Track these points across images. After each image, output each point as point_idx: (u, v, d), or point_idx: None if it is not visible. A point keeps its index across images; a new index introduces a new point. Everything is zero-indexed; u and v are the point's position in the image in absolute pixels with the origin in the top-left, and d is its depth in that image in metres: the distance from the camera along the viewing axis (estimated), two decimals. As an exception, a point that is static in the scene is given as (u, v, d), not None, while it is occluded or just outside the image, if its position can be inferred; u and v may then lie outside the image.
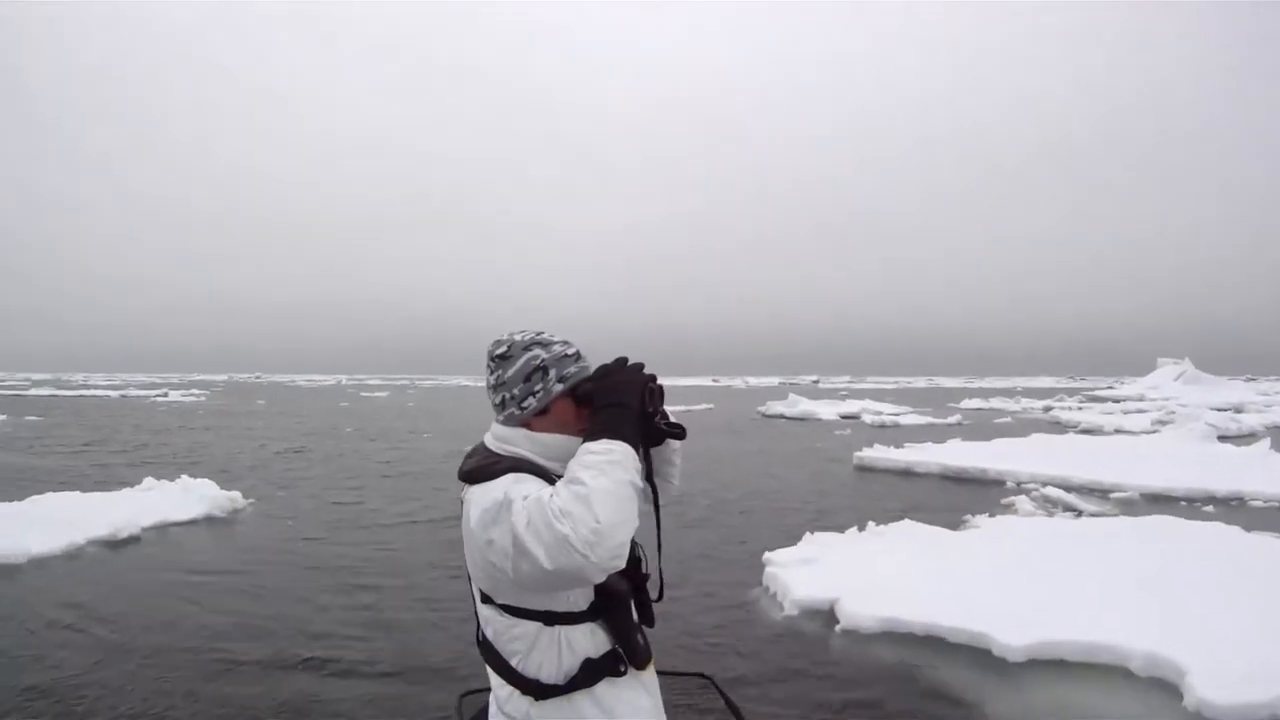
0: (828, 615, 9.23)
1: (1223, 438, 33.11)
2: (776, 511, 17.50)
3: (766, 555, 11.21)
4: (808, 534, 12.27)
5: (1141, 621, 8.08)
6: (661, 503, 2.61)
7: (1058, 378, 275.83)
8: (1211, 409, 48.51)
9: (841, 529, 12.92)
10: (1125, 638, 7.70)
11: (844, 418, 54.11)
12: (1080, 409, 65.91)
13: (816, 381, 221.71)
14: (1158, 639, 7.61)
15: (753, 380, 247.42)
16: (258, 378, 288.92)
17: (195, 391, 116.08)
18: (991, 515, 15.30)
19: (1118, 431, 40.45)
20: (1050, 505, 17.47)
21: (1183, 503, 17.98)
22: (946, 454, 25.66)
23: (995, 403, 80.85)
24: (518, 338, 2.47)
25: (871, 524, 12.90)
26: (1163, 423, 43.83)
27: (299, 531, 15.42)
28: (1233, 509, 17.36)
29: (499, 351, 2.46)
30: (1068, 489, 19.00)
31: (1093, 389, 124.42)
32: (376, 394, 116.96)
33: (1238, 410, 54.42)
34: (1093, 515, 15.99)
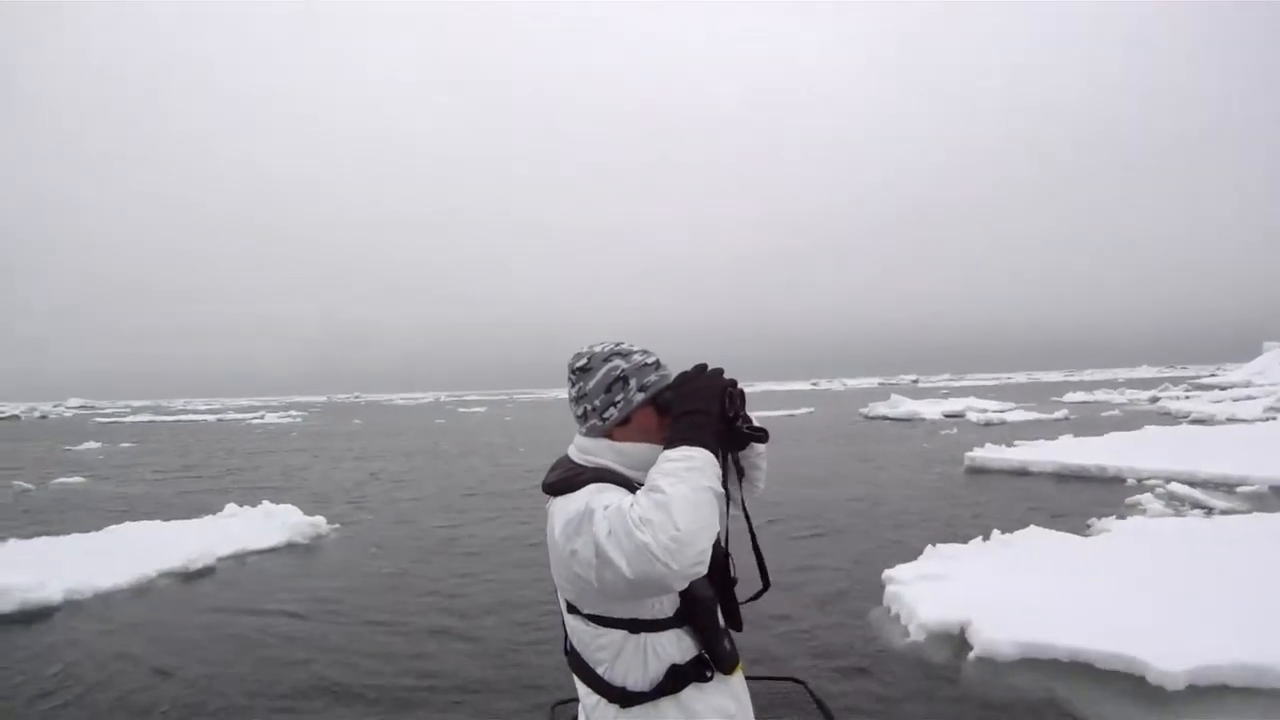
0: (958, 640, 8.15)
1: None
2: (892, 520, 16.38)
3: (887, 573, 10.13)
4: (930, 546, 11.17)
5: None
6: (747, 505, 2.54)
7: (1159, 367, 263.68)
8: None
9: (964, 539, 11.84)
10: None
11: (948, 416, 52.37)
12: (1188, 398, 62.69)
13: (916, 381, 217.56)
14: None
15: (851, 382, 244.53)
16: (356, 397, 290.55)
17: (292, 413, 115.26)
18: (1120, 517, 14.02)
19: (1230, 420, 37.88)
20: (1178, 503, 15.99)
21: (1318, 496, 16.47)
22: (1061, 451, 24.19)
23: (1100, 395, 77.31)
24: (597, 349, 2.44)
25: (996, 532, 11.79)
26: (1277, 410, 41.16)
27: (383, 560, 14.27)
28: (1373, 503, 15.72)
29: (579, 364, 2.43)
30: (1192, 484, 17.48)
31: (1196, 377, 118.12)
32: (474, 409, 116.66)
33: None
34: (1225, 513, 14.54)
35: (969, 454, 24.97)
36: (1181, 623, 7.59)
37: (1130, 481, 19.06)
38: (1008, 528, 12.34)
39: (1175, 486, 17.23)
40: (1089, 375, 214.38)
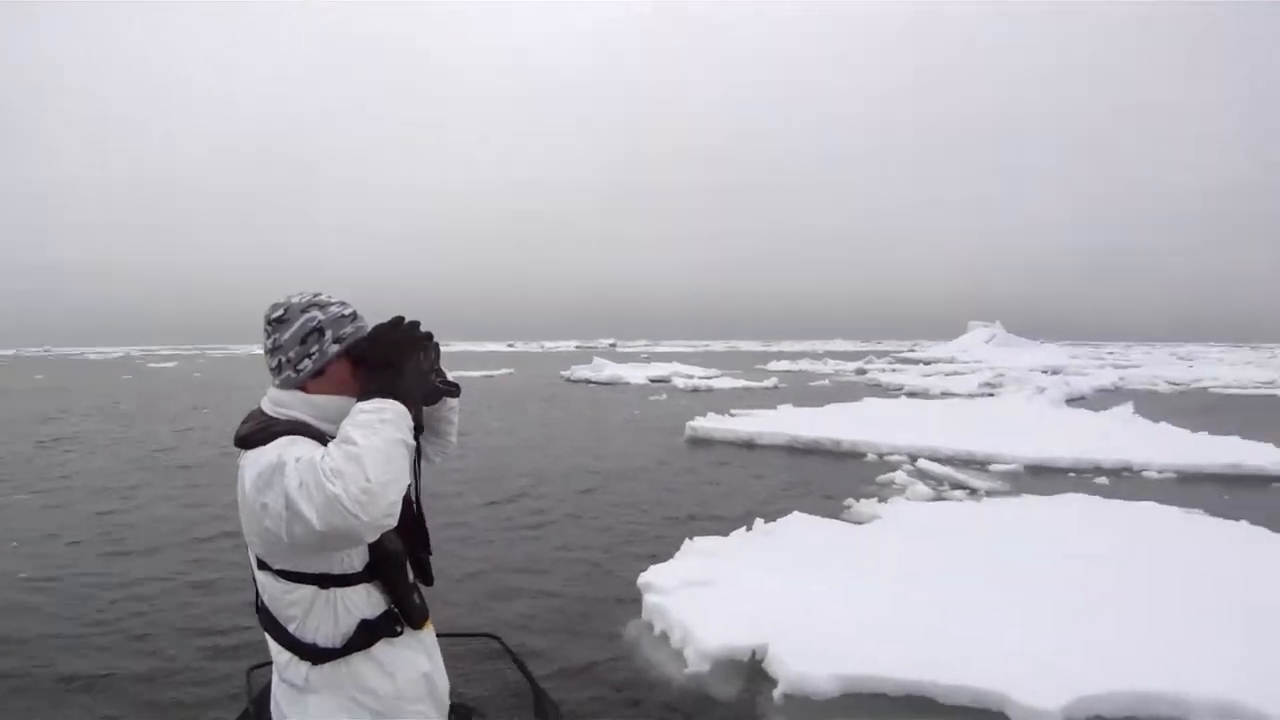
0: (753, 670, 6.58)
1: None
2: (624, 501, 14.93)
3: (643, 578, 8.42)
4: (686, 540, 9.72)
5: (1186, 655, 6.15)
6: (438, 460, 2.81)
7: (854, 341, 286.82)
8: (1032, 371, 49.52)
9: (718, 526, 10.80)
10: (1178, 682, 5.68)
11: (654, 381, 53.95)
12: (895, 370, 67.67)
13: (614, 345, 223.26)
14: (1221, 680, 5.70)
15: (549, 344, 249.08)
16: (46, 351, 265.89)
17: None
18: (881, 500, 13.37)
19: (945, 395, 40.55)
20: (934, 482, 15.81)
21: (1071, 474, 17.16)
22: (788, 423, 24.27)
23: (804, 365, 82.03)
24: (295, 300, 2.48)
25: (759, 522, 10.57)
26: (991, 385, 44.49)
27: (18, 563, 11.12)
28: (1127, 481, 16.50)
29: (275, 315, 2.46)
30: (937, 460, 17.62)
31: (897, 351, 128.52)
32: (165, 365, 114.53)
33: (1055, 372, 56.28)
34: (992, 495, 14.45)
35: (690, 424, 24.48)
36: (1026, 639, 6.51)
37: (871, 457, 19.12)
38: (761, 511, 11.49)
39: (925, 464, 17.26)
40: (786, 346, 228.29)
